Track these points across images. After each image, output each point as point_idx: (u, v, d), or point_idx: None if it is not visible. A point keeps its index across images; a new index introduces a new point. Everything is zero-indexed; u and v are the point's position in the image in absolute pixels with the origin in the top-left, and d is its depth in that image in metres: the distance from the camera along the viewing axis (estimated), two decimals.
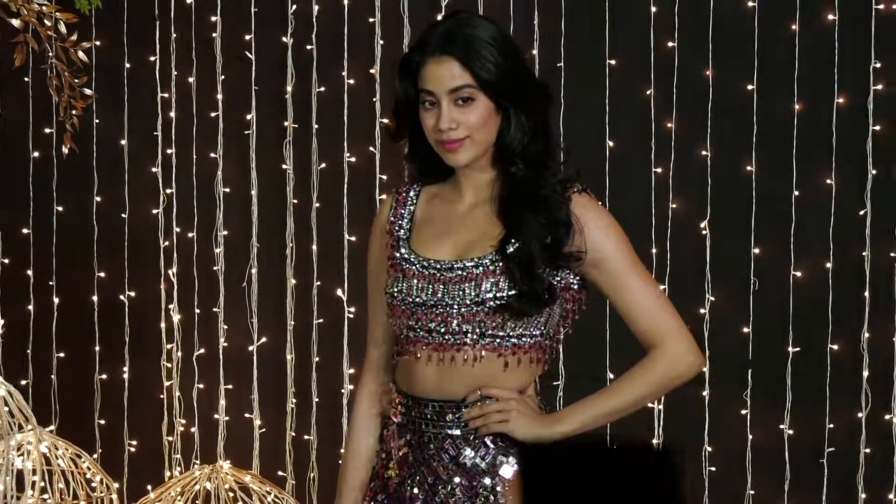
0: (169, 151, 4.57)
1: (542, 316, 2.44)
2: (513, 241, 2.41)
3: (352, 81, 4.41)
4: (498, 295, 2.39)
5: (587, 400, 2.48)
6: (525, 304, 2.39)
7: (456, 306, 2.41)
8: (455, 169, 2.49)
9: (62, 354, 4.73)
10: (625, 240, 2.46)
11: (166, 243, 4.59)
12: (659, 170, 4.22)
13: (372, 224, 2.59)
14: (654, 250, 4.20)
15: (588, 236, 2.42)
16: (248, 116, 4.50)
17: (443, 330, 2.42)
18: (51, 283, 4.69)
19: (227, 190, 4.55)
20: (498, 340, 2.43)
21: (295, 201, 4.48)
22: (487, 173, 2.49)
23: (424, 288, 2.43)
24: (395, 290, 2.47)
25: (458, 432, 2.45)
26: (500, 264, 2.40)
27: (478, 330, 2.41)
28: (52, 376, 4.70)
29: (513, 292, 2.39)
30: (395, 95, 2.47)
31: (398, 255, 2.49)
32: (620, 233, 2.46)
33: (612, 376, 4.12)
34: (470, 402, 2.44)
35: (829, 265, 4.12)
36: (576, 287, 2.47)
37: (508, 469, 2.44)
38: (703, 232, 4.20)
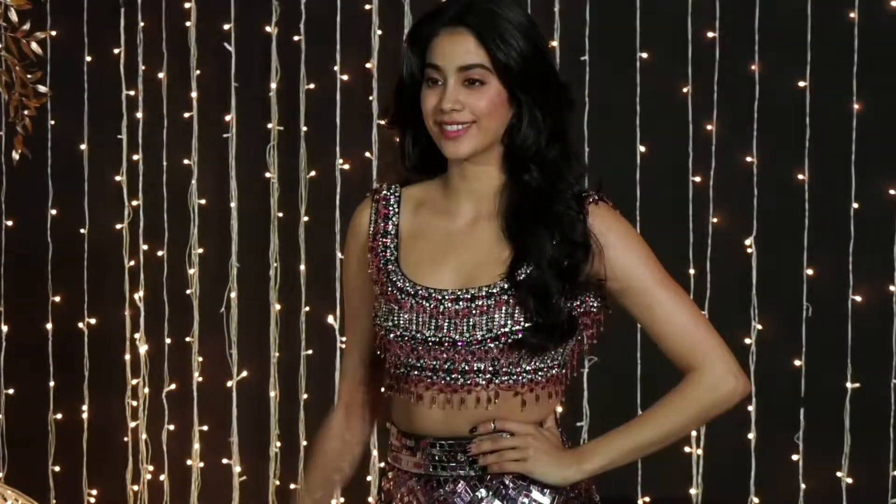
0: (135, 158, 4.53)
1: (561, 346, 2.34)
2: (524, 265, 2.29)
3: (345, 78, 4.36)
4: (514, 329, 2.27)
5: (616, 432, 2.38)
6: (543, 339, 2.29)
7: (465, 343, 2.29)
8: (448, 167, 2.35)
9: (11, 391, 4.65)
10: (648, 252, 2.37)
11: (132, 263, 4.54)
12: (698, 179, 4.16)
13: (347, 235, 2.50)
14: (691, 271, 4.14)
15: (610, 260, 2.31)
16: (227, 118, 4.45)
17: (449, 368, 2.30)
18: None
19: (203, 202, 4.50)
20: (514, 378, 2.31)
21: (280, 215, 4.43)
22: (495, 180, 2.35)
23: (426, 322, 2.31)
24: (391, 324, 2.33)
25: (471, 472, 2.34)
26: (514, 293, 2.28)
27: (491, 368, 2.29)
28: (0, 416, 4.63)
29: (528, 325, 2.28)
30: (398, 72, 2.36)
31: (390, 283, 2.35)
32: (643, 246, 2.37)
33: None
34: (480, 435, 2.32)
35: (892, 288, 4.04)
36: (595, 309, 2.36)
37: None
38: (749, 250, 4.13)
